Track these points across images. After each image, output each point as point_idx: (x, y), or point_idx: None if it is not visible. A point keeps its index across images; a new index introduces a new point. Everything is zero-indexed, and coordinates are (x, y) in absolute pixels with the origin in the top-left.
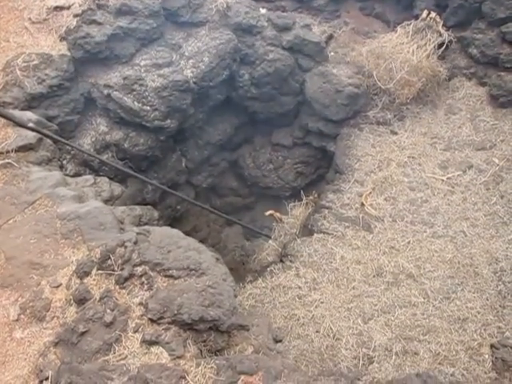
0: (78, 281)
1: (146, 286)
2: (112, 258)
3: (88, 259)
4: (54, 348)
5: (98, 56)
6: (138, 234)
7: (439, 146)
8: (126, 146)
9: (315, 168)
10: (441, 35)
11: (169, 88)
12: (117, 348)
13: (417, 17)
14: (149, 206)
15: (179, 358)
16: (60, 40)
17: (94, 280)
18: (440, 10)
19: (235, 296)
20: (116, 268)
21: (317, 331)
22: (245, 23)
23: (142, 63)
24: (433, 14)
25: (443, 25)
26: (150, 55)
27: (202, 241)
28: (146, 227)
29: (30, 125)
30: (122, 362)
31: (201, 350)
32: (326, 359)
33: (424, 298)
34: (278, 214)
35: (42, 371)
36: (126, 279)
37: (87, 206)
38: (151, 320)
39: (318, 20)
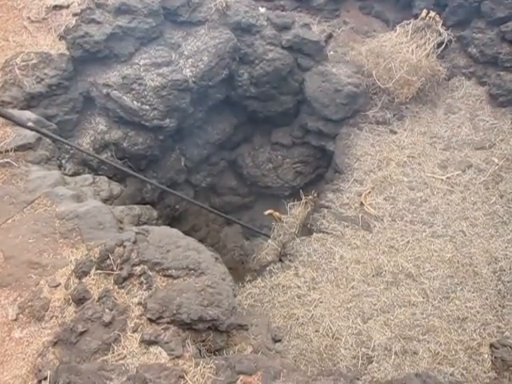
0: (76, 280)
1: (144, 286)
2: (111, 258)
3: (87, 259)
4: (52, 348)
5: (97, 55)
6: (136, 233)
7: (439, 145)
8: (125, 145)
9: (314, 167)
10: (440, 34)
11: (168, 87)
12: (116, 348)
13: (416, 16)
14: (148, 206)
15: (178, 357)
16: (59, 39)
17: (93, 280)
18: (439, 9)
19: (234, 296)
20: (115, 268)
21: (316, 331)
22: (244, 22)
23: (141, 62)
24: (432, 14)
25: (443, 24)
26: (149, 54)
27: (201, 240)
28: (145, 227)
29: (29, 124)
30: (121, 361)
31: (200, 350)
32: (325, 359)
33: (423, 298)
34: (277, 214)
35: (40, 371)
36: (125, 279)
37: (86, 205)
38: (150, 320)
39: (318, 19)
